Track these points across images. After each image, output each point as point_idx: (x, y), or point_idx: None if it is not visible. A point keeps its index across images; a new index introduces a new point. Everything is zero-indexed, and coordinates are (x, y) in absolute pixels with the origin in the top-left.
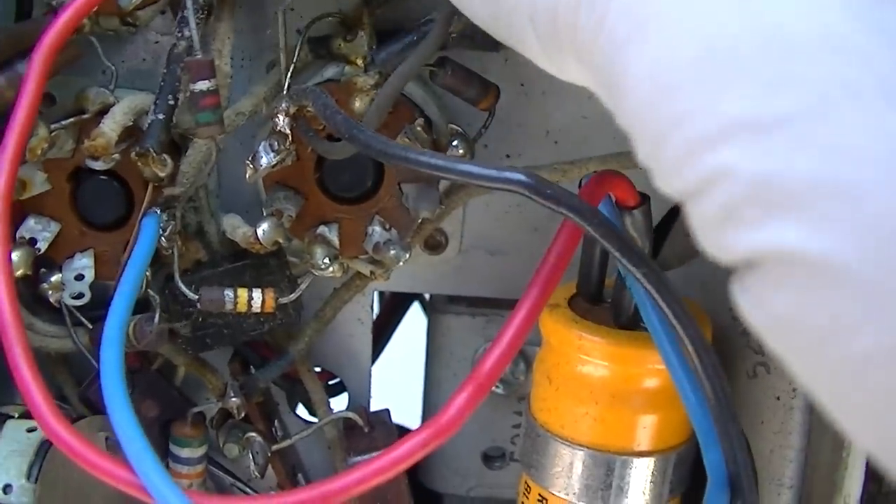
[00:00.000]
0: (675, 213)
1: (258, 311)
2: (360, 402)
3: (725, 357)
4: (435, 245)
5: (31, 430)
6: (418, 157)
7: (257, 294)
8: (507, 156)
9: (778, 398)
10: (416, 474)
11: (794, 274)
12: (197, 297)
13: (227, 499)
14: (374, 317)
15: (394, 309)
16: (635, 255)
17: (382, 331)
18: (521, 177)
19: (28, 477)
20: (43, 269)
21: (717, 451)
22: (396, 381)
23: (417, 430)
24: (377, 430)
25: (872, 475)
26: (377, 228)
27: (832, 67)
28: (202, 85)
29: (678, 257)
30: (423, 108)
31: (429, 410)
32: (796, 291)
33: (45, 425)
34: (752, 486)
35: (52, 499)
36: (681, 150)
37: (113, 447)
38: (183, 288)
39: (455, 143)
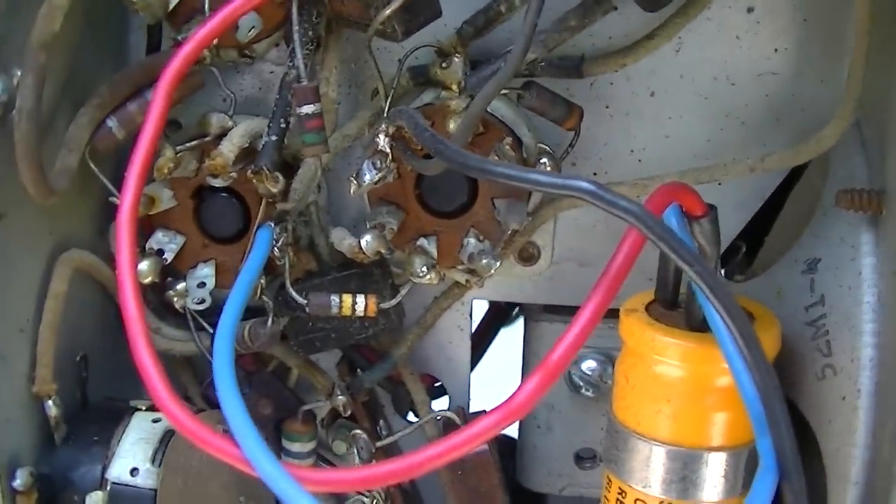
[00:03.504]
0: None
1: (361, 314)
2: (459, 404)
3: (796, 360)
4: (528, 257)
5: (156, 421)
6: (493, 168)
7: (361, 299)
8: (595, 173)
9: (844, 398)
10: (514, 475)
11: None
12: (306, 302)
13: (319, 471)
14: (475, 325)
15: (494, 318)
16: (688, 254)
17: (483, 338)
18: (584, 184)
19: (153, 461)
20: (169, 279)
21: (767, 437)
22: (498, 386)
23: (491, 411)
24: None
25: None
26: (472, 240)
27: None
28: (307, 109)
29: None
30: (514, 129)
31: None
32: None
33: (167, 412)
34: (799, 471)
35: (174, 482)
36: None
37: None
38: (293, 294)
39: (543, 160)
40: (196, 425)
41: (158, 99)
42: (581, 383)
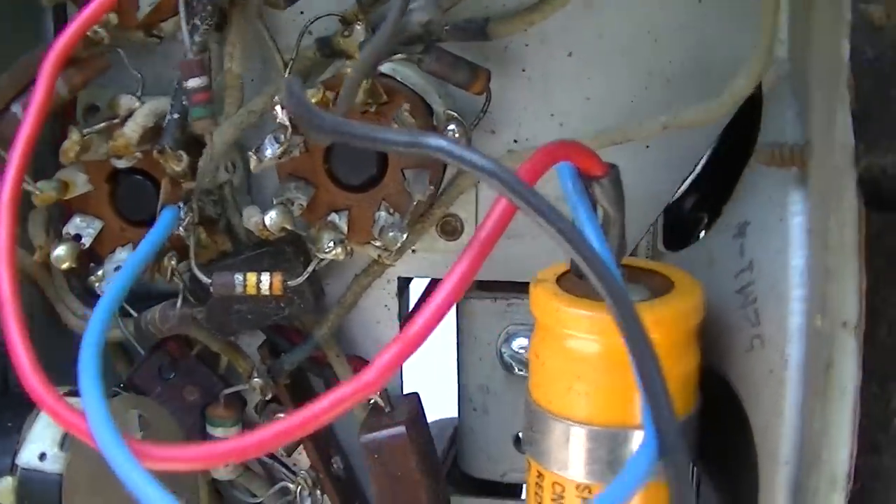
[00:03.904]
0: None
1: (267, 293)
2: (392, 384)
3: (726, 331)
4: (451, 230)
5: None
6: (347, 129)
7: (266, 277)
8: (515, 140)
9: (771, 371)
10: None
11: None
12: (209, 282)
13: (174, 447)
14: (407, 305)
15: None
16: (553, 214)
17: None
18: (436, 141)
19: (61, 446)
20: (92, 264)
21: (647, 411)
22: (439, 367)
23: (341, 384)
24: (397, 410)
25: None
26: (383, 213)
27: None
28: (193, 82)
29: None
30: (424, 97)
31: (462, 395)
32: None
33: (29, 389)
34: (681, 448)
35: (80, 467)
36: None
37: (146, 423)
38: (198, 273)
39: (451, 127)
40: (51, 400)
41: (41, 82)
42: (512, 363)
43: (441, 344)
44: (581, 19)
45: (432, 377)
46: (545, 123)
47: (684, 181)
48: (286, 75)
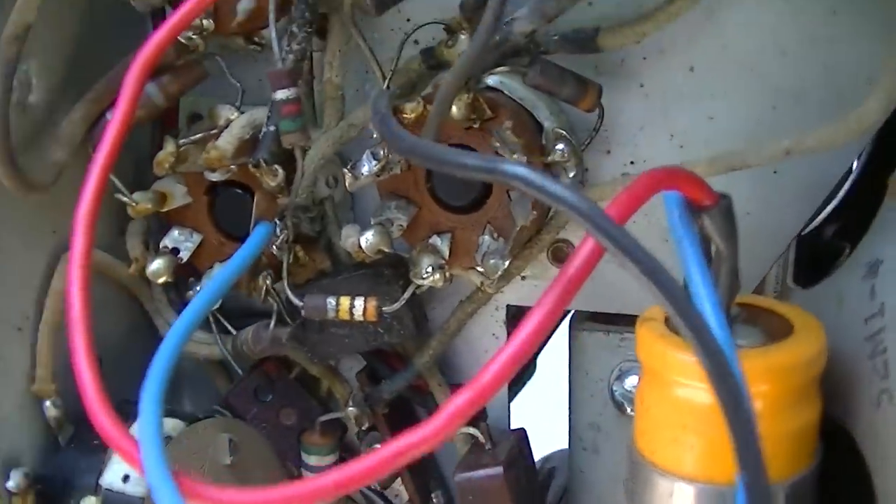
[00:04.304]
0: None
1: (361, 319)
2: (498, 421)
3: (853, 381)
4: (562, 257)
5: None
6: (427, 151)
7: (359, 302)
8: (632, 161)
9: None
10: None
11: None
12: (302, 304)
13: (224, 490)
14: None
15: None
16: (642, 255)
17: None
18: (514, 168)
19: None
20: (191, 279)
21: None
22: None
23: (396, 440)
24: (499, 447)
25: None
26: (487, 238)
27: None
28: (282, 94)
29: None
30: (534, 112)
31: (572, 433)
32: None
33: (91, 414)
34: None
35: None
36: None
37: (236, 448)
38: (290, 295)
39: (559, 146)
40: (113, 430)
41: (126, 90)
42: (624, 402)
43: (555, 376)
44: (703, 31)
45: (546, 410)
46: (664, 144)
47: (821, 208)
48: (384, 87)
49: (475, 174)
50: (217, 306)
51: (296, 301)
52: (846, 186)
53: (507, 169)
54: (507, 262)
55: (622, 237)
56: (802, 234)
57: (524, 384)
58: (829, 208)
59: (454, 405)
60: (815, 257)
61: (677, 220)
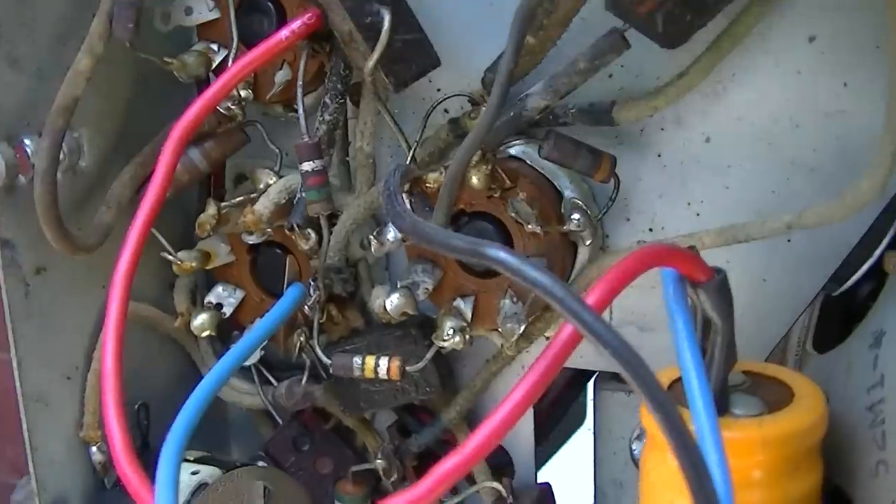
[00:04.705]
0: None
1: (385, 378)
2: (525, 476)
3: (853, 449)
4: None
5: (194, 473)
6: (423, 232)
7: (384, 362)
8: (650, 228)
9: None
10: None
11: None
12: (330, 362)
13: None
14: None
15: (567, 385)
16: (606, 332)
17: (556, 406)
18: (495, 252)
19: None
20: (235, 332)
21: None
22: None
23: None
24: (520, 501)
25: None
26: (508, 302)
27: None
28: (308, 166)
29: None
30: (554, 181)
31: (597, 489)
32: None
33: (116, 461)
34: None
35: None
36: None
37: (271, 495)
38: (319, 353)
39: (575, 216)
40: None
41: (163, 158)
42: None
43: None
44: (718, 103)
45: (573, 466)
46: (681, 212)
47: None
48: (409, 157)
49: (463, 255)
50: (258, 359)
51: (324, 359)
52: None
53: (489, 252)
54: (523, 326)
55: (594, 322)
56: (833, 294)
57: (572, 433)
58: (864, 268)
59: (439, 471)
60: (847, 319)
61: (671, 295)
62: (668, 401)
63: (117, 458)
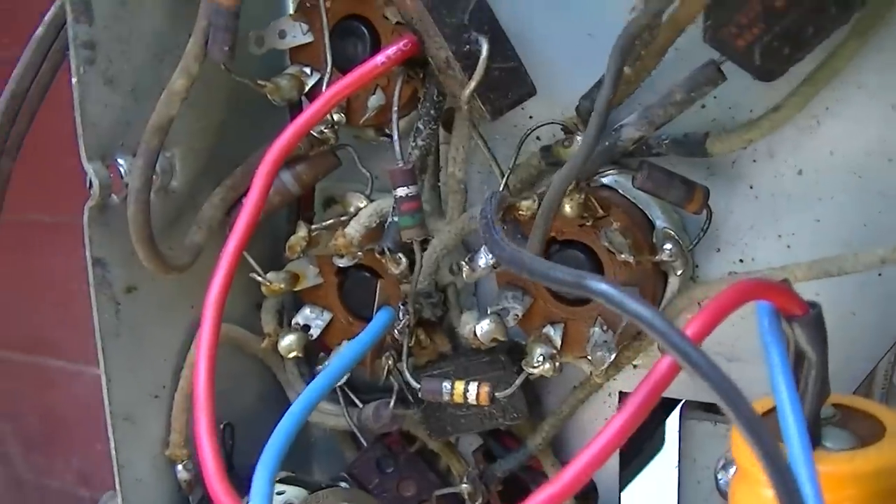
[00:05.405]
0: None
1: (474, 403)
2: (609, 502)
3: None
4: None
5: (279, 493)
6: (522, 262)
7: (473, 387)
8: (741, 260)
9: None
10: None
11: None
12: (419, 386)
13: None
14: None
15: (653, 414)
16: (712, 371)
17: (641, 434)
18: (598, 285)
19: None
20: (322, 354)
21: None
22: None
23: None
24: None
25: None
26: (597, 329)
27: None
28: (402, 191)
29: None
30: (647, 211)
31: None
32: None
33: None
34: None
35: None
36: None
37: None
38: (408, 377)
39: (667, 246)
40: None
41: (257, 181)
42: (728, 490)
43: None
44: (811, 136)
45: (651, 494)
46: (772, 244)
47: None
48: (502, 184)
49: (563, 287)
50: (344, 380)
51: (413, 384)
52: None
53: (590, 285)
54: (613, 355)
55: (695, 356)
56: None
57: (652, 458)
58: None
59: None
60: None
61: (766, 328)
62: (769, 435)
63: (209, 479)
